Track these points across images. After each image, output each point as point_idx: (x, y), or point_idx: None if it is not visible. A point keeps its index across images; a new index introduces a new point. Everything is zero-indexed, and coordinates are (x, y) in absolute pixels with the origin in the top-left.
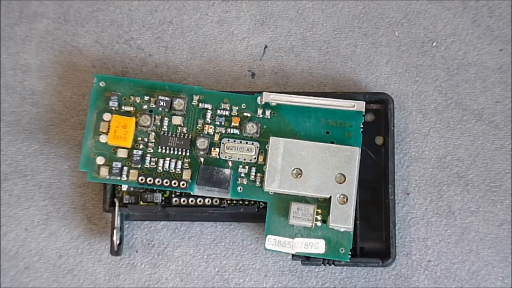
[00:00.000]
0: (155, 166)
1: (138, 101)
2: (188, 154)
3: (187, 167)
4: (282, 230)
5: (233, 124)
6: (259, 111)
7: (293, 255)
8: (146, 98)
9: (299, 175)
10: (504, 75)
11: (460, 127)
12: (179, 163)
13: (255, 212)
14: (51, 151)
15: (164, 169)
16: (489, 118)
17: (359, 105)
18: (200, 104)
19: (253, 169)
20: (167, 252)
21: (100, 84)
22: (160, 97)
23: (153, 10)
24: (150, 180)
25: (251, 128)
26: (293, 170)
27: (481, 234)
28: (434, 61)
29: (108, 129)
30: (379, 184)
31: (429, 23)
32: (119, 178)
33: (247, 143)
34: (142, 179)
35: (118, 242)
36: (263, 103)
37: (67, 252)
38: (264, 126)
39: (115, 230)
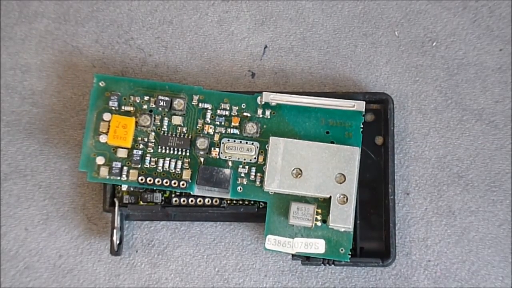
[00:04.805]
0: (155, 166)
1: (138, 101)
2: (188, 154)
3: (187, 167)
4: (282, 230)
5: (233, 124)
6: (259, 111)
7: (293, 255)
8: (146, 98)
9: (299, 175)
10: (504, 75)
11: (460, 127)
12: (179, 163)
13: (255, 212)
14: (51, 151)
15: (164, 169)
16: (489, 118)
17: (359, 105)
18: (200, 104)
19: (253, 169)
20: (167, 252)
21: (100, 84)
22: (160, 97)
23: (153, 10)
24: (150, 180)
25: (251, 128)
26: (293, 170)
27: (481, 234)
28: (434, 61)
29: (108, 129)
30: (379, 184)
31: (429, 23)
32: (119, 178)
33: (247, 143)
34: (142, 179)
35: (118, 242)
36: (263, 103)
37: (67, 252)
38: (264, 126)
39: (115, 230)
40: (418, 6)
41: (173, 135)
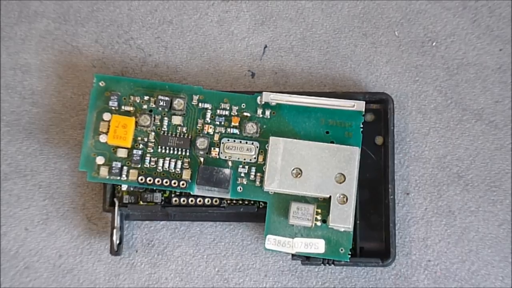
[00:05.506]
0: (155, 166)
1: (138, 101)
2: (188, 154)
3: (187, 167)
4: (282, 230)
5: (233, 124)
6: (259, 111)
7: (293, 255)
8: (146, 98)
9: (299, 175)
10: (504, 75)
11: (460, 127)
12: (179, 163)
13: (255, 212)
14: (51, 151)
15: (164, 169)
16: (489, 118)
17: (359, 105)
18: (200, 104)
19: (253, 169)
20: (167, 252)
21: (100, 84)
22: (160, 97)
23: (153, 10)
24: (150, 180)
25: (251, 128)
26: (293, 170)
27: (481, 234)
28: (434, 61)
29: (108, 129)
30: (379, 184)
31: (429, 23)
32: (119, 178)
33: (247, 143)
34: (142, 179)
35: (118, 242)
36: (263, 103)
37: (67, 252)
38: (264, 126)
39: (115, 230)
40: (418, 6)
41: (173, 135)
